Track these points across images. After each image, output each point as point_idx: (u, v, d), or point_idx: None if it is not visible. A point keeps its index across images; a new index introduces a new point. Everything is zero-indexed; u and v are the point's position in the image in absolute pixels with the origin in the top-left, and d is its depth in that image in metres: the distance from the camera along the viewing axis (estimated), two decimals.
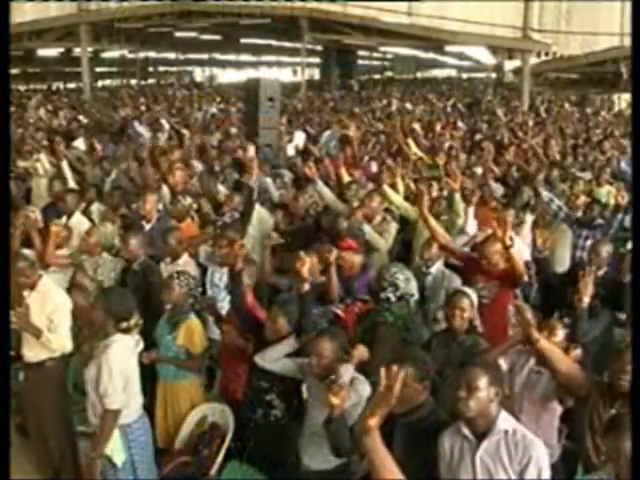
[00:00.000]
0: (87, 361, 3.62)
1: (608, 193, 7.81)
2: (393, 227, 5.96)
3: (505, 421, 2.79)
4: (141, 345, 3.72)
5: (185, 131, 10.38)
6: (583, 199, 6.64)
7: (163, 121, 12.34)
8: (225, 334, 4.36)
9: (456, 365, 3.83)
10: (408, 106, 19.15)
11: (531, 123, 12.75)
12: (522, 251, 5.87)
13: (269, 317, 3.94)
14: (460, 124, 13.70)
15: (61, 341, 4.17)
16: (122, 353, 3.55)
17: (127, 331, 3.62)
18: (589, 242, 5.92)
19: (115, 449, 3.58)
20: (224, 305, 4.86)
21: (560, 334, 3.77)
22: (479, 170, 8.13)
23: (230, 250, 4.12)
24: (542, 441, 2.82)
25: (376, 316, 4.22)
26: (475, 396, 2.74)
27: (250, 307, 4.31)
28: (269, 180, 7.26)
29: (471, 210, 5.89)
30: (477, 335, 3.99)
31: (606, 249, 5.07)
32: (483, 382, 2.76)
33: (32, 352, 4.19)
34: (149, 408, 4.30)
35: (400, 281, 4.23)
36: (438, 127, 12.25)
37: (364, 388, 3.33)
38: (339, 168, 6.83)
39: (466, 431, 2.80)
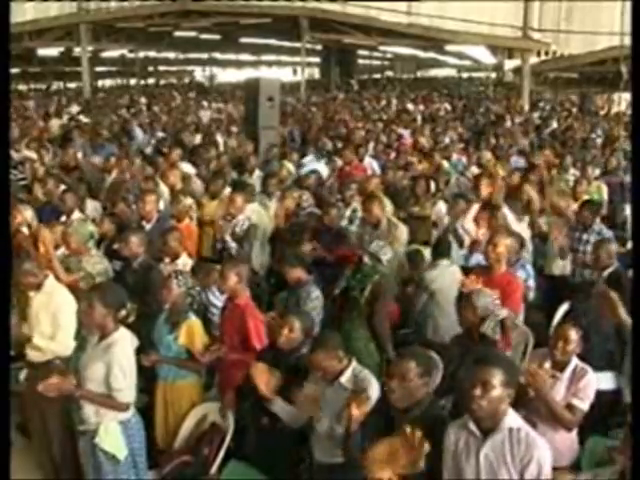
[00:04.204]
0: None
1: (598, 189, 7.80)
2: (402, 231, 5.90)
3: (511, 419, 2.76)
4: (135, 342, 3.74)
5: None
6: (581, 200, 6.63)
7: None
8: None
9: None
10: (409, 106, 19.19)
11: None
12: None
13: (284, 325, 3.87)
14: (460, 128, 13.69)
15: (65, 341, 4.16)
16: (128, 349, 3.60)
17: (126, 318, 3.66)
18: (589, 247, 5.86)
19: (117, 445, 3.59)
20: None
21: (574, 340, 3.70)
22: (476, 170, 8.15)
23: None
24: (562, 446, 2.77)
25: None
26: (488, 395, 2.69)
27: (243, 307, 4.32)
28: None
29: (473, 210, 5.93)
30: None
31: (611, 248, 5.12)
32: (498, 381, 2.71)
33: (37, 352, 4.19)
34: (149, 408, 4.32)
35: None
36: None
37: (373, 389, 3.36)
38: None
39: (473, 427, 2.78)
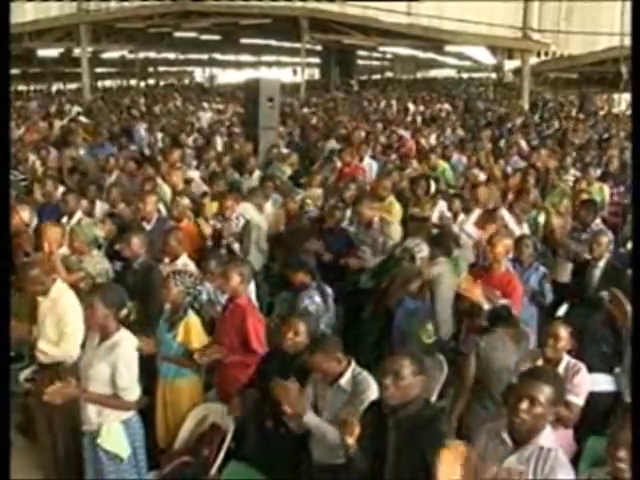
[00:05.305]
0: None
1: (600, 190, 7.80)
2: (395, 229, 5.92)
3: (545, 437, 2.68)
4: (135, 341, 3.76)
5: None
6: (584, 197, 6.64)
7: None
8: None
9: None
10: (410, 107, 19.22)
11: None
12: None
13: (289, 328, 3.88)
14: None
15: (69, 347, 4.15)
16: (130, 348, 3.63)
17: (126, 318, 3.70)
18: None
19: (120, 445, 3.62)
20: None
21: (565, 337, 3.72)
22: (481, 174, 8.15)
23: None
24: (562, 442, 2.74)
25: None
26: (534, 411, 2.61)
27: (244, 307, 4.32)
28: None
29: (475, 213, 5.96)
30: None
31: (605, 240, 5.16)
32: (546, 398, 2.63)
33: (45, 354, 4.20)
34: (150, 408, 4.32)
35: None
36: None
37: (372, 391, 3.37)
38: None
39: (505, 436, 2.73)
